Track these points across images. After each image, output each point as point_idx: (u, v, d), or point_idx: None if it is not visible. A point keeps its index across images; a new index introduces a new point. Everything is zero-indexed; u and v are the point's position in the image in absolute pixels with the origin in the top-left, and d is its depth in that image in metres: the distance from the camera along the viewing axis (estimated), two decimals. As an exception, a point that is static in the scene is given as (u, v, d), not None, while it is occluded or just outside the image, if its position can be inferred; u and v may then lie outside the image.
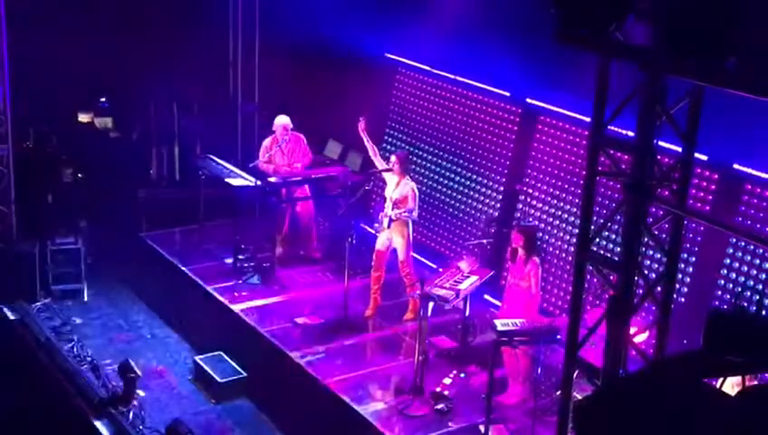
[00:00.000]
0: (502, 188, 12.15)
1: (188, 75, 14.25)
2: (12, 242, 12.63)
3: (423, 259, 12.32)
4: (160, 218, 13.53)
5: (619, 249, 8.24)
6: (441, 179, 12.94)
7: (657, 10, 6.27)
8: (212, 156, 13.15)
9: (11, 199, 12.66)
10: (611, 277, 7.32)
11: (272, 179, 12.19)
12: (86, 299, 12.62)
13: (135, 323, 12.29)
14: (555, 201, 11.38)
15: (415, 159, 13.05)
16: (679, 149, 7.13)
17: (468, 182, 12.58)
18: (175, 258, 12.58)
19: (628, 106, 6.95)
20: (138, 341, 11.90)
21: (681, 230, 7.29)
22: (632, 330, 7.26)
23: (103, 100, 15.45)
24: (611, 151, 7.37)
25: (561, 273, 11.20)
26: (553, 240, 11.33)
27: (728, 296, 9.47)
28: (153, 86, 14.30)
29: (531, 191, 11.61)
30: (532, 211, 11.52)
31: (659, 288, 7.28)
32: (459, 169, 12.71)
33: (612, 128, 7.24)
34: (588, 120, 7.76)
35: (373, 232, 11.39)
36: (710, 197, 9.93)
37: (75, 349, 11.20)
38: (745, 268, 9.51)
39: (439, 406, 9.58)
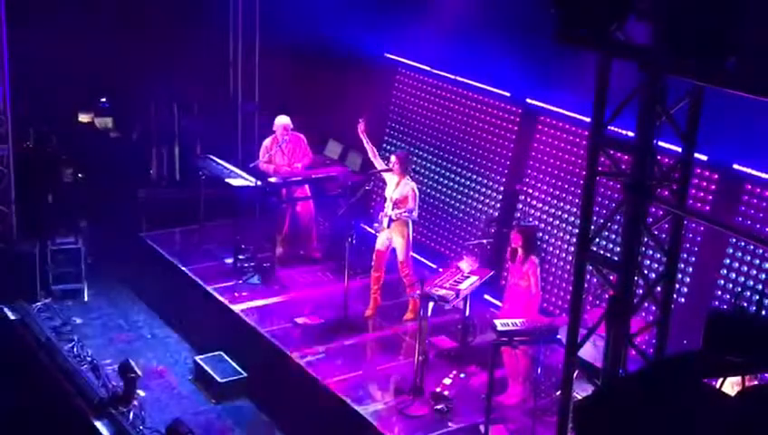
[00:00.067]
0: (502, 188, 12.14)
1: (188, 75, 14.24)
2: (12, 242, 12.62)
3: (423, 259, 12.32)
4: (160, 218, 13.52)
5: (618, 249, 8.24)
6: (441, 179, 12.93)
7: (657, 10, 6.27)
8: (212, 156, 13.13)
9: (11, 199, 12.65)
10: (611, 277, 7.32)
11: (272, 179, 12.18)
12: (86, 299, 12.62)
13: (135, 323, 12.28)
14: (555, 201, 11.38)
15: (415, 159, 13.02)
16: (679, 150, 7.13)
17: (468, 182, 12.57)
18: (175, 258, 12.57)
19: (628, 106, 6.96)
20: (138, 341, 11.90)
21: (681, 230, 7.29)
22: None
23: (103, 100, 15.44)
24: (611, 151, 7.38)
25: (561, 273, 11.20)
26: (553, 240, 11.33)
27: (728, 296, 9.45)
28: (153, 86, 14.29)
29: (531, 191, 11.61)
30: (532, 211, 11.52)
31: (659, 288, 7.28)
32: (459, 169, 12.70)
33: (612, 128, 7.25)
34: (588, 120, 7.76)
35: (373, 232, 11.38)
36: (710, 197, 9.92)
37: (75, 349, 11.19)
38: (745, 268, 9.50)
39: (439, 406, 9.57)
